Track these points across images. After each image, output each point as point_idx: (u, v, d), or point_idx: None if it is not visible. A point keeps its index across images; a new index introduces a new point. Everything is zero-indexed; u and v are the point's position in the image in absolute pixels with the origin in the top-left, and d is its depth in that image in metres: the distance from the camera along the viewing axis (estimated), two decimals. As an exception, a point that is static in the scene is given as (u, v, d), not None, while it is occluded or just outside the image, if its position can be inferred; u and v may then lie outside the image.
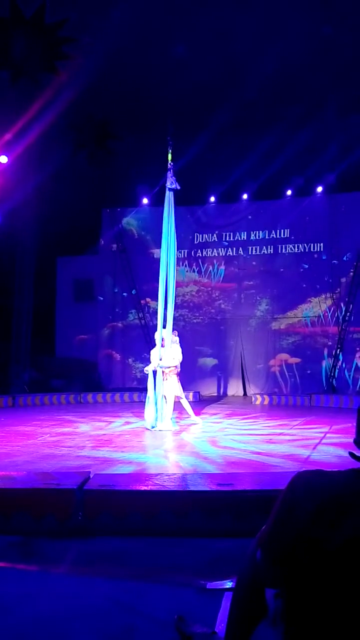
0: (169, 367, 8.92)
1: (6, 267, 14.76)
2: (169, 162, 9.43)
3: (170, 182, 9.35)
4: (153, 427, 8.79)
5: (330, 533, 1.23)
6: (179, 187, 9.42)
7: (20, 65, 9.93)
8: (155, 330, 9.49)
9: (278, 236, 15.91)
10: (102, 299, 16.84)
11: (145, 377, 9.37)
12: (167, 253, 9.35)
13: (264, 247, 16.04)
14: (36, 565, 3.45)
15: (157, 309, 9.66)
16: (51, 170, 12.68)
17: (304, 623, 1.27)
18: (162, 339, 9.01)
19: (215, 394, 15.80)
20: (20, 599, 2.84)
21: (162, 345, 9.02)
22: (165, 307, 9.24)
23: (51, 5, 9.42)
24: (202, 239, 16.50)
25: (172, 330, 9.27)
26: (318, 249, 15.55)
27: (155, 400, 8.95)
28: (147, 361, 9.41)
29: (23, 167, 13.12)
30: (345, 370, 14.77)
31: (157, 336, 9.22)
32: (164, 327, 9.17)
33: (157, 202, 14.04)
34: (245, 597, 1.61)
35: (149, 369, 9.08)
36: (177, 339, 9.47)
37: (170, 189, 9.41)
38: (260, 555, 1.47)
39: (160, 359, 8.93)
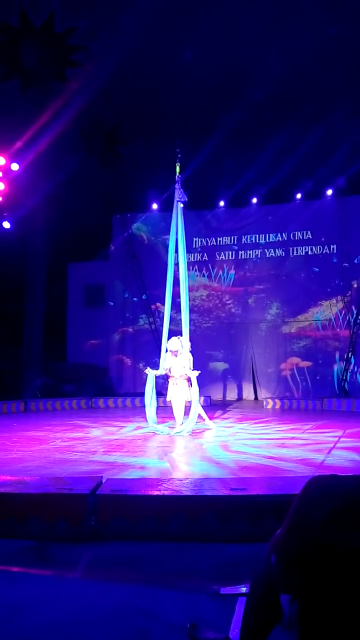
0: (181, 374, 8.95)
1: (18, 273, 14.89)
2: (177, 174, 9.50)
3: (179, 195, 9.42)
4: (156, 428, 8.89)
5: (346, 537, 1.23)
6: (186, 199, 9.51)
7: (30, 73, 10.06)
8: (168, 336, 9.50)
9: (288, 239, 15.87)
10: (112, 304, 16.91)
11: (156, 381, 9.43)
12: (179, 264, 9.50)
13: (274, 251, 16.02)
14: (49, 570, 3.46)
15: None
16: (62, 176, 12.80)
17: (319, 626, 1.27)
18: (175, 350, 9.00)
19: (226, 399, 15.76)
20: (34, 603, 2.85)
21: (175, 355, 9.01)
22: (170, 317, 9.47)
23: (60, 14, 9.53)
24: (212, 244, 16.52)
25: (179, 336, 9.28)
26: (328, 252, 15.49)
27: (150, 403, 9.15)
28: (158, 366, 9.43)
29: (34, 174, 13.25)
30: (357, 374, 14.66)
31: (164, 346, 9.23)
32: (180, 335, 9.27)
33: (167, 208, 14.09)
34: (260, 601, 1.61)
35: (150, 372, 9.16)
36: (189, 344, 9.47)
37: (178, 201, 9.49)
38: (275, 560, 1.47)
39: (169, 370, 9.00)
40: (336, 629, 1.25)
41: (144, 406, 9.35)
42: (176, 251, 9.66)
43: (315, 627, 1.30)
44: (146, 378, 9.26)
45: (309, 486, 1.38)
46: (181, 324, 9.53)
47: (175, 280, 9.91)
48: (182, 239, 9.51)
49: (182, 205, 9.51)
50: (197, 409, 8.85)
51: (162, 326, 9.88)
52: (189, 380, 9.08)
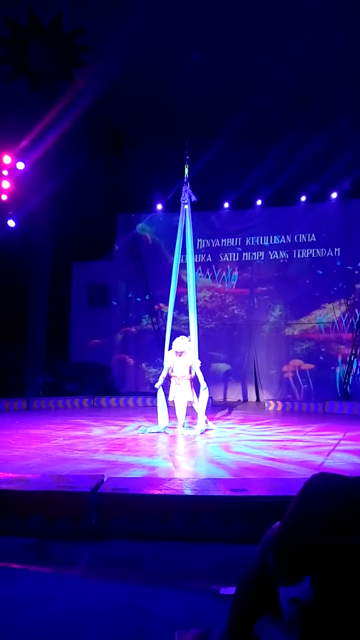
0: (183, 374, 8.96)
1: (22, 271, 14.93)
2: (186, 176, 9.50)
3: (188, 196, 9.42)
4: (165, 430, 8.92)
5: (348, 538, 1.24)
6: (195, 199, 9.49)
7: (38, 73, 10.08)
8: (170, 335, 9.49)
9: (292, 242, 15.87)
10: (116, 304, 16.93)
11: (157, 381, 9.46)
12: (187, 267, 9.53)
13: (278, 253, 16.01)
14: (50, 568, 3.47)
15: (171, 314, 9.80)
16: (67, 176, 12.83)
17: (320, 626, 1.28)
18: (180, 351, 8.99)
19: (228, 400, 15.76)
20: (35, 601, 2.87)
21: (179, 355, 9.01)
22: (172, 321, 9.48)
23: (69, 14, 9.56)
24: (216, 245, 16.53)
25: (181, 336, 9.28)
26: (332, 255, 15.48)
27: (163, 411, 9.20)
28: (160, 366, 9.46)
29: (39, 173, 13.29)
30: (360, 377, 14.64)
31: (168, 353, 9.20)
32: (182, 335, 9.29)
33: (172, 208, 14.10)
34: (248, 592, 1.62)
35: (159, 388, 9.21)
36: (197, 349, 9.46)
37: (184, 203, 9.49)
38: (273, 559, 1.48)
39: (172, 369, 9.02)
40: (337, 628, 1.26)
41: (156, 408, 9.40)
42: (184, 252, 9.69)
43: (316, 627, 1.31)
44: (156, 391, 9.34)
45: (308, 486, 1.39)
46: (182, 324, 9.56)
47: (179, 281, 9.93)
48: (190, 241, 9.53)
49: (187, 207, 9.51)
50: (201, 412, 8.93)
51: (165, 326, 9.87)
52: (191, 380, 9.09)
